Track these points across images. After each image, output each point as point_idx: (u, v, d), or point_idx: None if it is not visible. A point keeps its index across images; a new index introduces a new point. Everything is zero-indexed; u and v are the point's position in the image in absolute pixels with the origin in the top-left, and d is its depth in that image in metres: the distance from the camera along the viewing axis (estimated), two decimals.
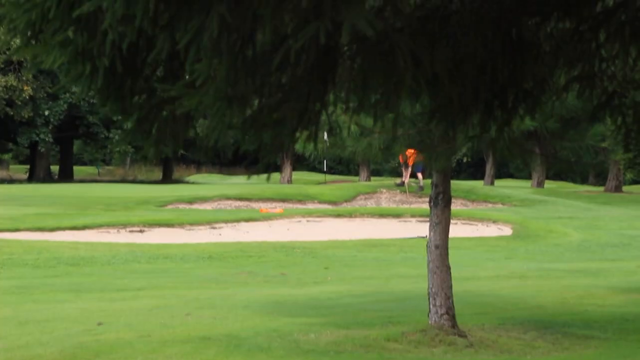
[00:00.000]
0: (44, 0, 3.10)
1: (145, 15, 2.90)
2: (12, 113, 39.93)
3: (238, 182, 40.57)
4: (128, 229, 19.27)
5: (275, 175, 38.79)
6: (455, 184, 20.51)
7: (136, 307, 9.75)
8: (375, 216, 22.21)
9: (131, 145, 41.47)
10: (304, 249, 16.93)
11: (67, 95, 41.22)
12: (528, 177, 47.66)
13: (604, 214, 26.45)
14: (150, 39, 3.13)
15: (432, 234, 8.24)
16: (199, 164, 61.91)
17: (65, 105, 42.12)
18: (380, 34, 2.92)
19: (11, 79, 38.89)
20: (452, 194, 8.56)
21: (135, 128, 3.61)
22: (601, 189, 39.48)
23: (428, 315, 8.10)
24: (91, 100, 39.52)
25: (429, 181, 20.11)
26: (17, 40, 3.41)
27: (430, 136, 7.52)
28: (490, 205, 28.11)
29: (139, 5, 2.88)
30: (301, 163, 55.55)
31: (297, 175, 46.67)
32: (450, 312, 8.00)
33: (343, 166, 62.48)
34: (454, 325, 7.97)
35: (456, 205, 22.26)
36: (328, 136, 7.17)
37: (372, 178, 41.42)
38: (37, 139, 42.32)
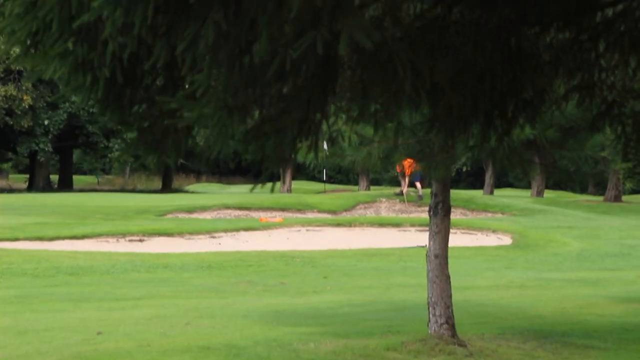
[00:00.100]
0: (45, 13, 3.11)
1: (144, 23, 2.91)
2: (11, 122, 39.92)
3: (238, 192, 40.53)
4: (127, 239, 19.26)
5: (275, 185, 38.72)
6: (454, 193, 20.50)
7: (135, 317, 9.73)
8: (375, 225, 22.22)
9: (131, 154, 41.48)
10: (303, 258, 16.91)
11: (67, 104, 41.29)
12: (527, 186, 47.70)
13: (604, 223, 26.44)
14: (149, 48, 3.14)
15: (431, 243, 8.24)
16: (199, 173, 61.98)
17: (65, 115, 42.14)
18: (379, 44, 2.92)
19: (11, 89, 38.90)
20: (452, 203, 8.56)
21: (138, 139, 3.62)
22: (600, 198, 39.47)
23: (427, 325, 8.09)
24: (91, 110, 39.53)
25: (428, 190, 20.13)
26: (17, 49, 3.42)
27: (429, 145, 7.52)
28: (489, 214, 28.11)
29: (138, 13, 2.89)
30: (301, 172, 55.56)
31: (297, 184, 46.68)
32: (449, 322, 7.99)
33: (342, 175, 62.54)
34: (453, 334, 7.96)
35: (456, 215, 22.30)
36: (328, 146, 7.18)
37: (371, 187, 41.43)
38: (37, 148, 42.31)
